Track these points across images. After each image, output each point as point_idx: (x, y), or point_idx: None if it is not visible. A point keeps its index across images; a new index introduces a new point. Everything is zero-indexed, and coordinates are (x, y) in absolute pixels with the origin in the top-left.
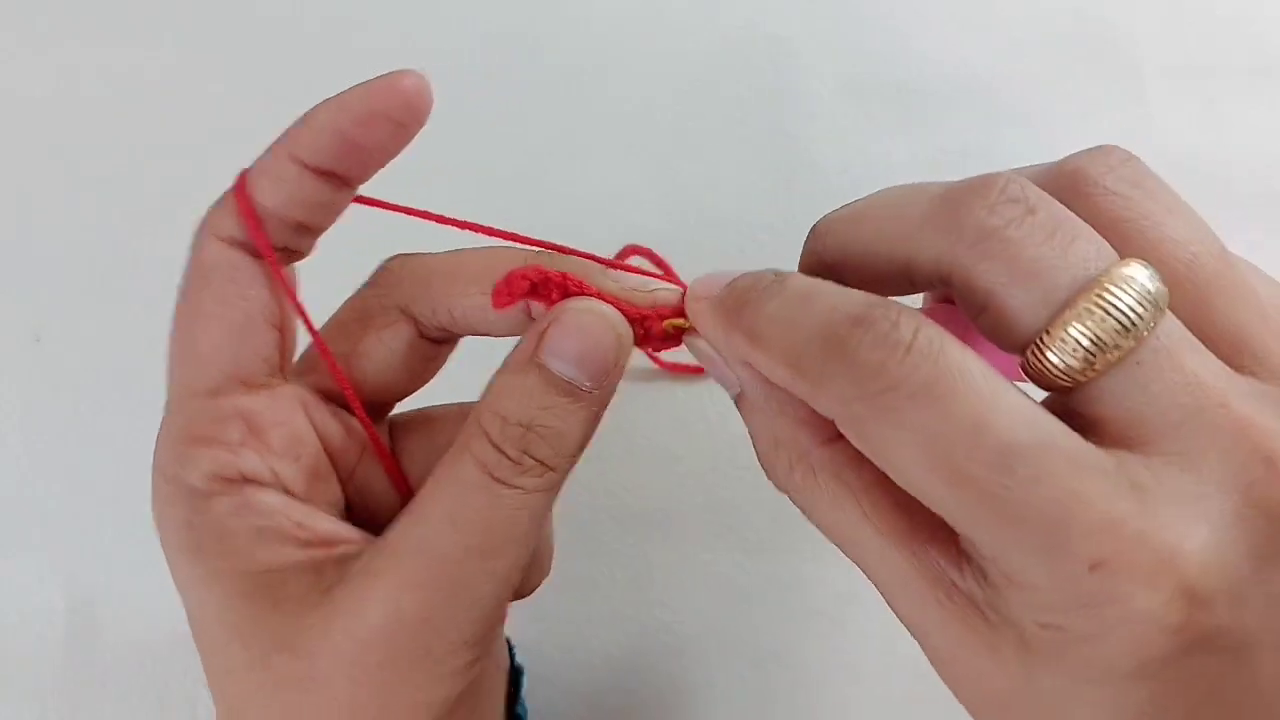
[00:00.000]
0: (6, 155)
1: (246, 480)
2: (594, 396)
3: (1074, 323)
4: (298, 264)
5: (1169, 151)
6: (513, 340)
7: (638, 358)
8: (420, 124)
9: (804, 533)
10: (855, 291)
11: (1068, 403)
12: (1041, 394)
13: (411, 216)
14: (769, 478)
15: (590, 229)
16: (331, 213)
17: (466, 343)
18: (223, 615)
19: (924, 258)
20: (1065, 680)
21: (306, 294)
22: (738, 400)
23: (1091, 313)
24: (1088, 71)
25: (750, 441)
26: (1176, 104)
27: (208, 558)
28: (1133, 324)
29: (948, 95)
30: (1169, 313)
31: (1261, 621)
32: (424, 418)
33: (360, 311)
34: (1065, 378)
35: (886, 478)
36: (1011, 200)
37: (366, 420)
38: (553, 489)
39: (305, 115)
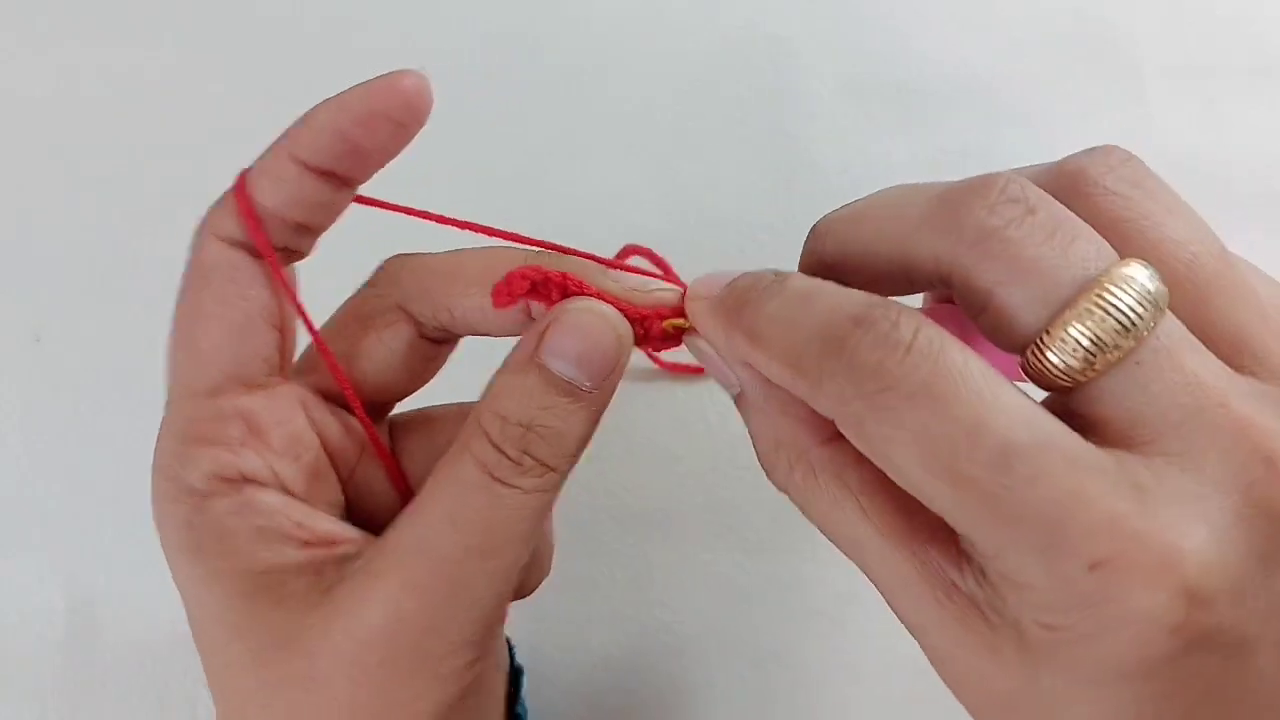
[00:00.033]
0: (6, 155)
1: (247, 480)
2: (594, 396)
3: (1074, 323)
4: (297, 264)
5: (1169, 151)
6: (512, 340)
7: (637, 358)
8: (420, 124)
9: (804, 533)
10: (855, 291)
11: (1068, 403)
12: (1042, 394)
13: (411, 216)
14: (769, 478)
15: (590, 229)
16: (331, 213)
17: (466, 342)
18: (223, 615)
19: (924, 257)
20: (1065, 680)
21: (306, 294)
22: (738, 400)
23: (1091, 313)
24: (1088, 71)
25: (750, 441)
26: (1176, 104)
27: (208, 557)
28: (1132, 324)
29: (948, 95)
30: (1169, 313)
31: (1261, 621)
32: (424, 418)
33: (360, 312)
34: (1065, 378)
35: (887, 478)
36: (1011, 200)
37: (366, 420)
38: (553, 489)
39: (305, 115)
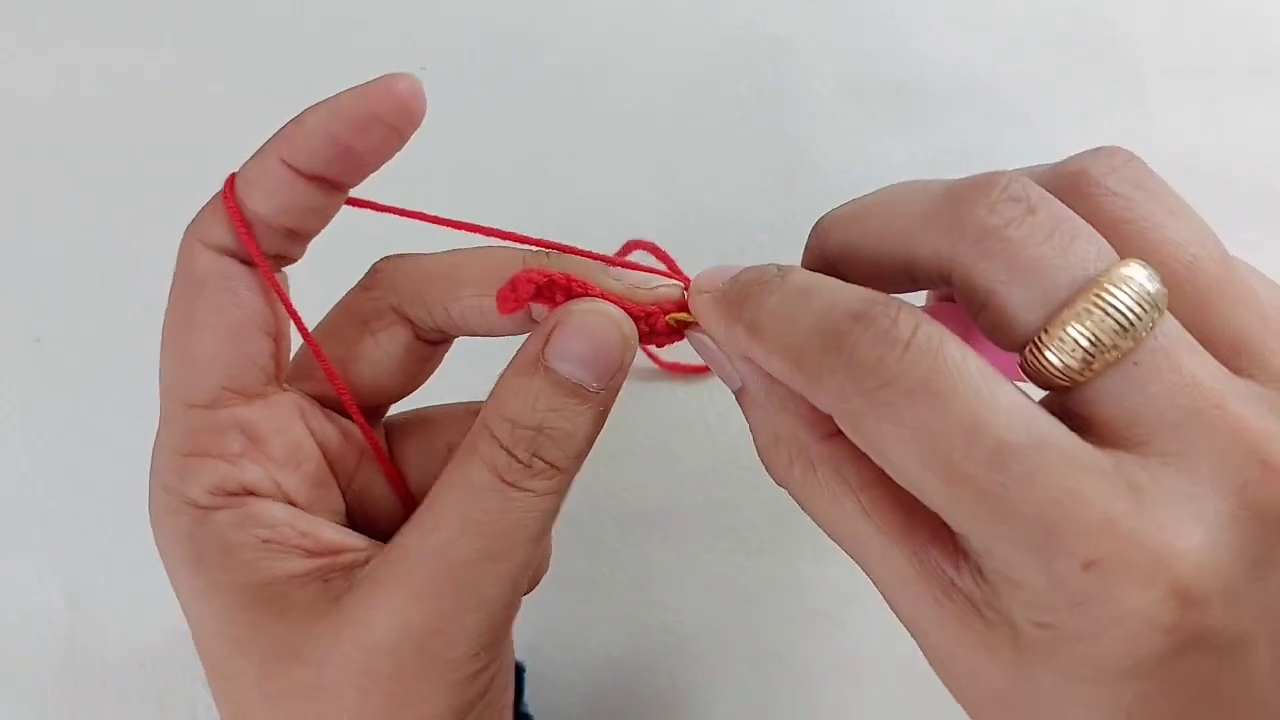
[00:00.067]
0: (6, 155)
1: (248, 492)
2: (600, 396)
3: (1073, 322)
4: (287, 267)
5: (1169, 151)
6: (509, 338)
7: (638, 358)
8: (414, 127)
9: (804, 533)
10: (856, 287)
11: (1066, 402)
12: (1040, 393)
13: (403, 217)
14: (769, 473)
15: (590, 229)
16: (323, 218)
17: (461, 342)
18: (224, 627)
19: (925, 255)
20: (1059, 679)
21: (297, 298)
22: (739, 395)
23: (1090, 313)
24: (1088, 71)
25: (750, 439)
26: (1176, 104)
27: (209, 570)
28: (1131, 324)
29: (948, 95)
30: (1168, 314)
31: (1255, 622)
32: (421, 419)
33: (354, 314)
34: (1063, 377)
35: (886, 475)
36: (1013, 199)
37: (366, 427)
38: (562, 491)
39: (296, 119)
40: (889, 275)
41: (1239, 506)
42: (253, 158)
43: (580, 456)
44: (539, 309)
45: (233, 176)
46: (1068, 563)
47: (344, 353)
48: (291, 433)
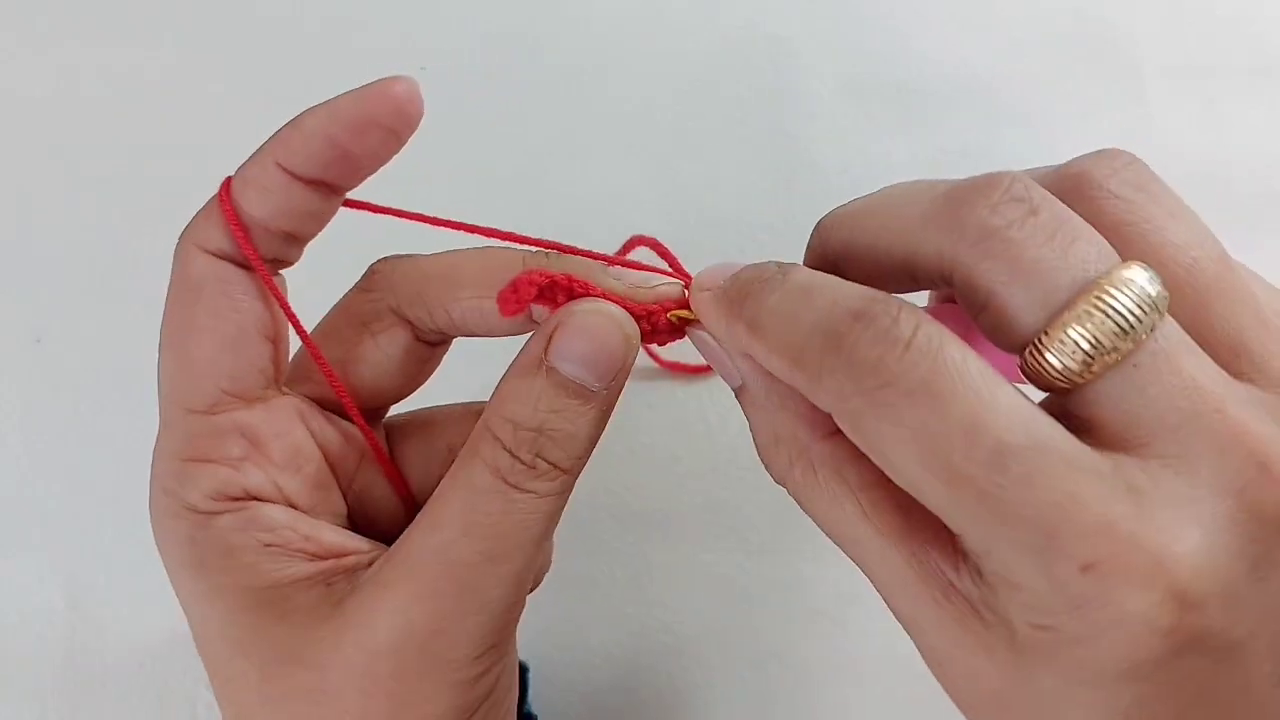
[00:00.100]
0: (6, 155)
1: (250, 497)
2: (603, 397)
3: (1073, 324)
4: (284, 270)
5: (1169, 151)
6: (507, 337)
7: (639, 357)
8: (411, 130)
9: (804, 533)
10: (857, 286)
11: (1065, 404)
12: (1039, 395)
13: (400, 218)
14: (768, 471)
15: (591, 229)
16: (320, 221)
17: (460, 342)
18: (225, 630)
19: (926, 254)
20: (1057, 680)
21: (294, 300)
22: (739, 393)
23: (1091, 315)
24: (1088, 71)
25: (751, 438)
26: (1176, 104)
27: (211, 573)
28: (1131, 326)
29: (948, 95)
30: (1168, 316)
31: (1253, 625)
32: (420, 420)
33: (352, 316)
34: (1063, 379)
35: (886, 476)
36: (1015, 200)
37: (367, 429)
38: (564, 492)
39: (293, 122)
40: (890, 275)
41: (1237, 509)
42: (248, 161)
43: (583, 457)
44: (539, 310)
45: (228, 180)
46: (1066, 565)
47: (343, 354)
48: (292, 436)
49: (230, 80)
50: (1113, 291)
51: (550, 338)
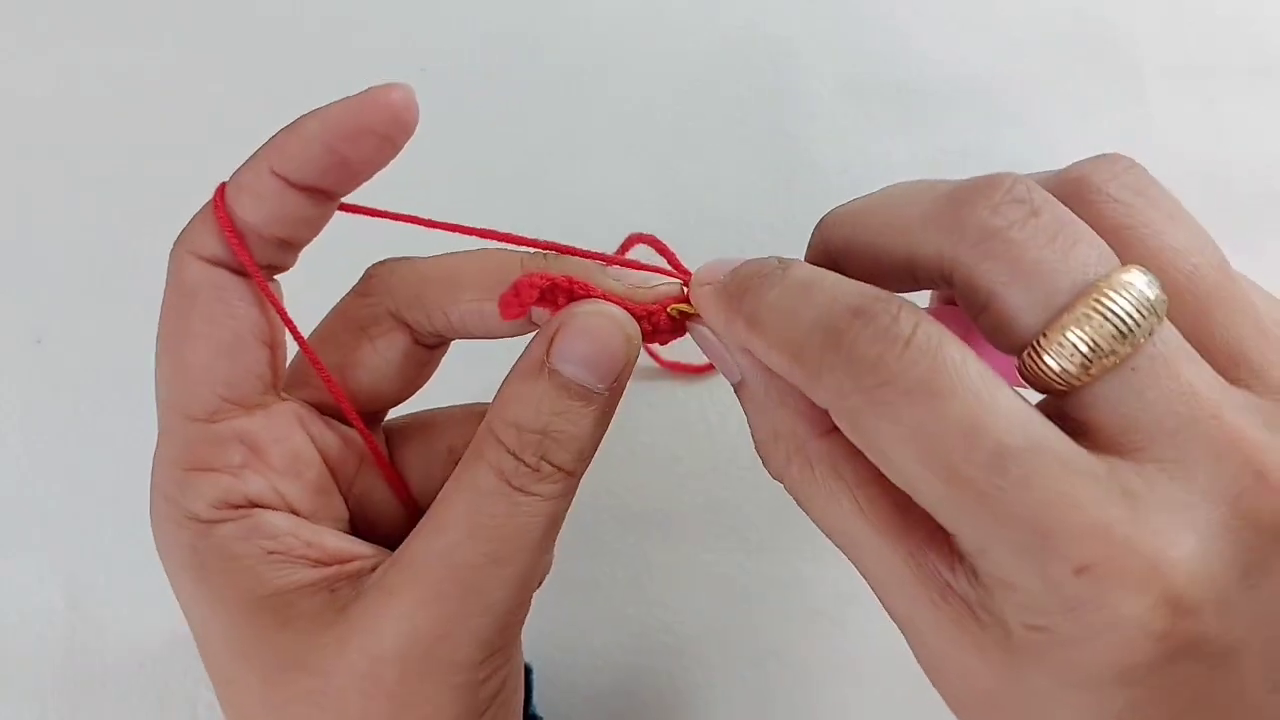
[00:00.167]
0: (6, 155)
1: (251, 504)
2: (605, 398)
3: (1071, 327)
4: (279, 275)
5: (1169, 151)
6: (507, 339)
7: (639, 357)
8: (407, 137)
9: (804, 533)
10: (857, 283)
11: (1062, 406)
12: (1036, 396)
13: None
14: (766, 468)
15: (591, 229)
16: (315, 227)
17: (459, 344)
18: (228, 637)
19: (927, 254)
20: (1049, 682)
21: (290, 304)
22: (738, 389)
23: (1090, 318)
24: (1088, 71)
25: (750, 435)
26: (1176, 104)
27: (214, 581)
28: (1130, 330)
29: (948, 95)
30: (1167, 321)
31: (1246, 631)
32: (420, 423)
33: (350, 321)
34: (1061, 381)
35: (883, 475)
36: (1016, 201)
37: (366, 433)
38: (568, 494)
39: (288, 128)
40: (891, 274)
41: (1232, 516)
42: (242, 167)
43: (587, 458)
44: (539, 312)
45: (223, 186)
46: (1061, 567)
47: (341, 359)
48: (291, 442)
49: (230, 80)
50: (1112, 294)
51: (552, 340)
